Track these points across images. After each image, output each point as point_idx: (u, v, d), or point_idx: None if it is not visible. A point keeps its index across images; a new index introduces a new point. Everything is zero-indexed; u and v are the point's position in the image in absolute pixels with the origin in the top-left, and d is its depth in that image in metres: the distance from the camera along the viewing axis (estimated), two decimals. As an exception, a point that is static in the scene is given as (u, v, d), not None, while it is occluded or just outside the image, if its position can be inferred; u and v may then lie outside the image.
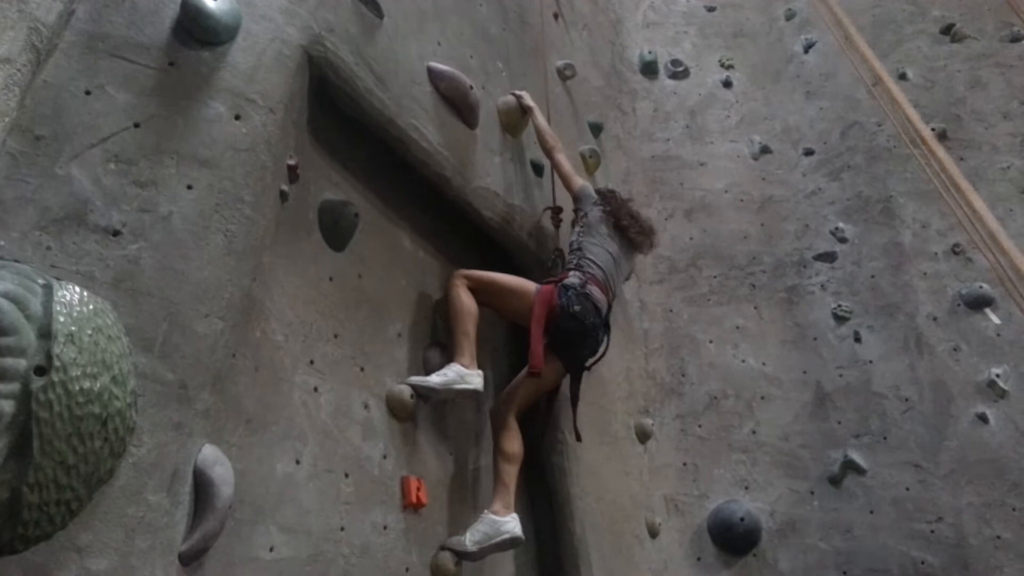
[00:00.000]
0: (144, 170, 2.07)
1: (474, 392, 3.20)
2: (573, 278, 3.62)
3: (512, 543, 3.12)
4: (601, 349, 3.74)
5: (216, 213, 2.12)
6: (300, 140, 2.71)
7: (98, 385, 1.72)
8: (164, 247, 2.00)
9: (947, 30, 5.79)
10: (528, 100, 4.04)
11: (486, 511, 3.15)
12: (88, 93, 2.10)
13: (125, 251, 1.96)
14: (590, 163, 4.83)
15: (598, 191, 4.05)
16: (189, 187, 2.10)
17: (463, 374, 3.17)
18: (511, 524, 3.10)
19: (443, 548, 3.04)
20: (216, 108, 2.24)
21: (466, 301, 3.36)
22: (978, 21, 5.81)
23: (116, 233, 1.96)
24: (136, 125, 2.12)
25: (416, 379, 3.12)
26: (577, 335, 3.58)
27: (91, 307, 1.80)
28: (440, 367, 3.22)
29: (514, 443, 3.37)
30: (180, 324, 1.96)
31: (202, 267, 2.04)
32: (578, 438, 3.73)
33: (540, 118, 4.08)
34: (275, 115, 2.37)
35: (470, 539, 3.06)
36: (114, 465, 1.76)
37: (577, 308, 3.52)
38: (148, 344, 1.90)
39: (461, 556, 3.05)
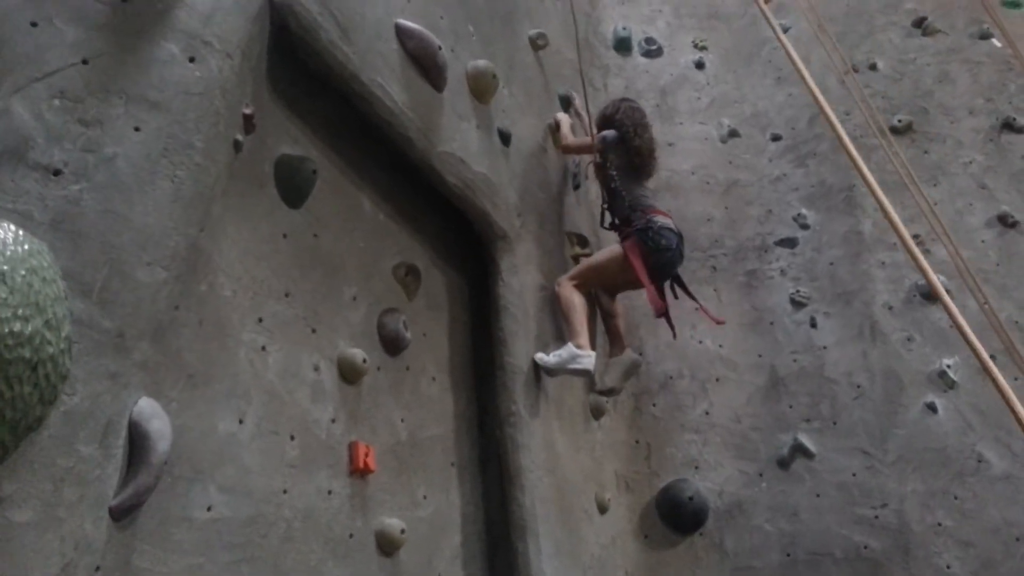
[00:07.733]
0: (90, 108, 1.97)
1: (584, 372, 3.74)
2: (638, 222, 4.14)
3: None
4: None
5: (164, 158, 2.03)
6: (258, 91, 2.61)
7: (29, 328, 1.64)
8: (107, 189, 1.91)
9: (919, 23, 5.83)
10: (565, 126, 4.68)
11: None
12: (34, 25, 1.98)
13: (66, 191, 1.86)
14: (557, 135, 4.76)
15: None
16: (137, 129, 2.01)
17: (576, 355, 3.70)
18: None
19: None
20: (169, 49, 2.14)
21: (576, 298, 3.96)
22: (949, 16, 5.85)
23: (57, 172, 1.87)
24: (84, 61, 2.01)
25: (538, 356, 3.71)
26: (673, 259, 4.16)
27: (26, 247, 1.71)
28: (396, 331, 3.19)
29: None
30: (121, 271, 1.88)
31: (146, 213, 1.95)
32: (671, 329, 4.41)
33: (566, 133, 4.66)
34: (232, 60, 2.27)
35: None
36: (44, 413, 1.68)
37: (663, 241, 4.08)
38: (86, 289, 1.82)
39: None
